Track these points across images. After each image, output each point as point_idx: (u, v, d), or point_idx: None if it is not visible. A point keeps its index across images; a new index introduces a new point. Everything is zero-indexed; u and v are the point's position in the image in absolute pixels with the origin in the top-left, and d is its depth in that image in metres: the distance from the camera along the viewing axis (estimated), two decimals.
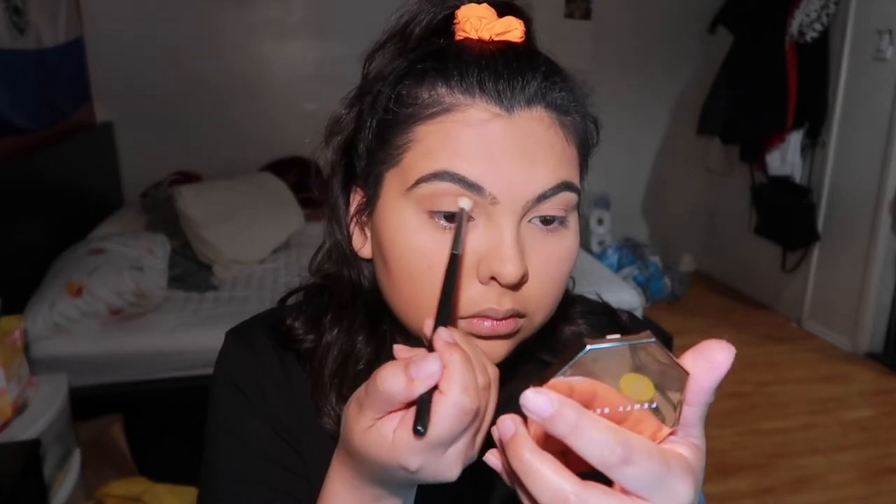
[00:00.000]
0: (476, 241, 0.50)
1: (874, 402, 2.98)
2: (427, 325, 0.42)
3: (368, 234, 0.58)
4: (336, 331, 0.60)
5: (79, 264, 2.29)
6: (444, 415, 0.37)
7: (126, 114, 3.50)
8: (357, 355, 0.59)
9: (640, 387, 0.35)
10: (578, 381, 0.34)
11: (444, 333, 0.40)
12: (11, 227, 2.17)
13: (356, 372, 0.59)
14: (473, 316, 0.51)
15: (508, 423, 0.36)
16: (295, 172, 3.46)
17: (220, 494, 0.59)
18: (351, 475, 0.45)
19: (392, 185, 0.52)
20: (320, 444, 0.58)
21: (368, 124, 0.54)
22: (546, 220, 0.51)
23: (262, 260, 2.86)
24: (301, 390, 0.61)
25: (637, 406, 0.35)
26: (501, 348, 0.53)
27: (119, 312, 2.24)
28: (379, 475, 0.43)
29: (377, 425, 0.40)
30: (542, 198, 0.50)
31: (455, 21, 0.55)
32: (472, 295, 0.50)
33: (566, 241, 0.53)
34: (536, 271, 0.51)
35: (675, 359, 0.35)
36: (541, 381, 0.34)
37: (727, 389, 2.97)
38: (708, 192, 4.39)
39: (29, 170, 2.39)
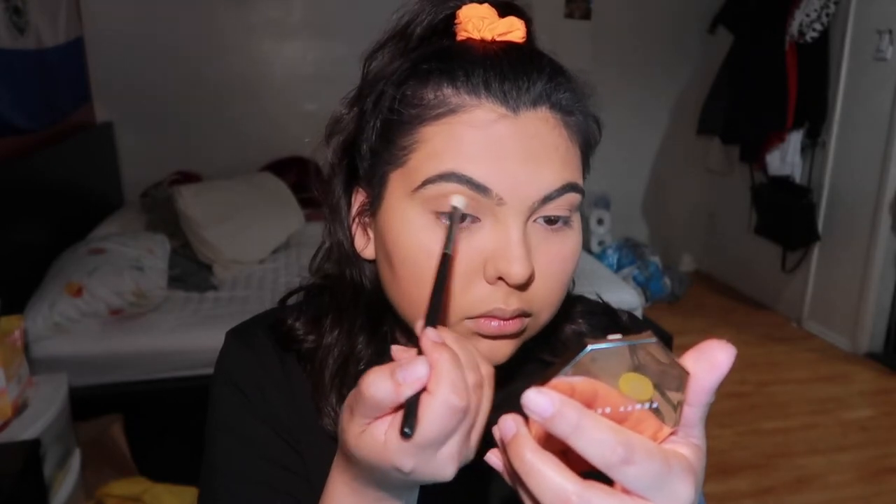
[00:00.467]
0: (482, 241, 0.50)
1: (874, 402, 2.98)
2: (418, 327, 0.42)
3: (371, 235, 0.57)
4: (337, 331, 0.60)
5: (79, 264, 2.29)
6: (433, 415, 0.37)
7: (126, 114, 3.50)
8: (357, 356, 0.59)
9: (639, 386, 0.35)
10: (580, 381, 0.34)
11: (431, 334, 0.40)
12: (11, 227, 2.17)
13: (357, 373, 0.59)
14: (481, 316, 0.51)
15: (510, 422, 0.36)
16: (295, 172, 3.46)
17: (220, 494, 0.59)
18: (351, 478, 0.45)
19: (397, 185, 0.52)
20: (320, 444, 0.58)
21: (372, 125, 0.54)
22: (550, 220, 0.51)
23: (262, 260, 2.86)
24: (301, 390, 0.61)
25: (638, 406, 0.35)
26: (507, 348, 0.53)
27: (119, 312, 2.24)
28: (376, 477, 0.43)
29: (369, 429, 0.40)
30: (547, 199, 0.50)
31: (457, 21, 0.55)
32: (480, 295, 0.50)
33: (570, 240, 0.53)
34: (542, 270, 0.51)
35: (675, 359, 0.35)
36: (542, 380, 0.34)
37: (727, 389, 2.97)
38: (708, 192, 4.39)
39: (29, 170, 2.39)
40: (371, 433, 0.40)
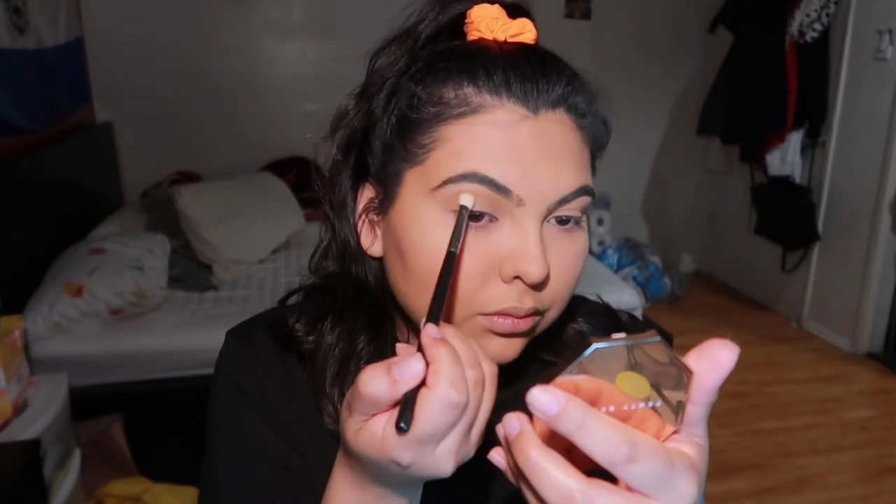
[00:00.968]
0: (500, 240, 0.50)
1: (874, 402, 2.98)
2: (423, 324, 0.42)
3: (379, 232, 0.57)
4: (338, 330, 0.60)
5: (79, 264, 2.29)
6: (431, 409, 0.37)
7: (126, 114, 3.50)
8: (359, 355, 0.59)
9: (636, 385, 0.35)
10: (584, 380, 0.34)
11: (431, 330, 0.40)
12: (11, 227, 2.17)
13: (358, 371, 0.58)
14: (495, 314, 0.51)
15: (514, 421, 0.36)
16: (295, 172, 3.46)
17: (220, 495, 0.59)
18: (352, 475, 0.45)
19: (414, 183, 0.52)
20: (321, 443, 0.58)
21: (386, 121, 0.54)
22: (562, 221, 0.52)
23: (262, 260, 2.86)
24: (302, 390, 0.61)
25: (641, 405, 0.35)
26: (517, 346, 0.54)
27: (119, 312, 2.24)
28: (376, 473, 0.43)
29: (367, 425, 0.40)
30: (563, 201, 0.51)
31: (467, 21, 0.55)
32: (495, 293, 0.51)
33: (581, 240, 0.54)
34: (554, 270, 0.52)
35: (679, 358, 0.35)
36: (547, 379, 0.34)
37: (727, 389, 2.95)
38: (708, 192, 4.39)
39: (29, 170, 2.39)
40: (370, 428, 0.40)
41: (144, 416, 2.10)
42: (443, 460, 0.40)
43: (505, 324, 0.51)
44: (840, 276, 3.42)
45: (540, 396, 0.33)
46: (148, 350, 2.14)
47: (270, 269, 2.81)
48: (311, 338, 0.61)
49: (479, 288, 0.51)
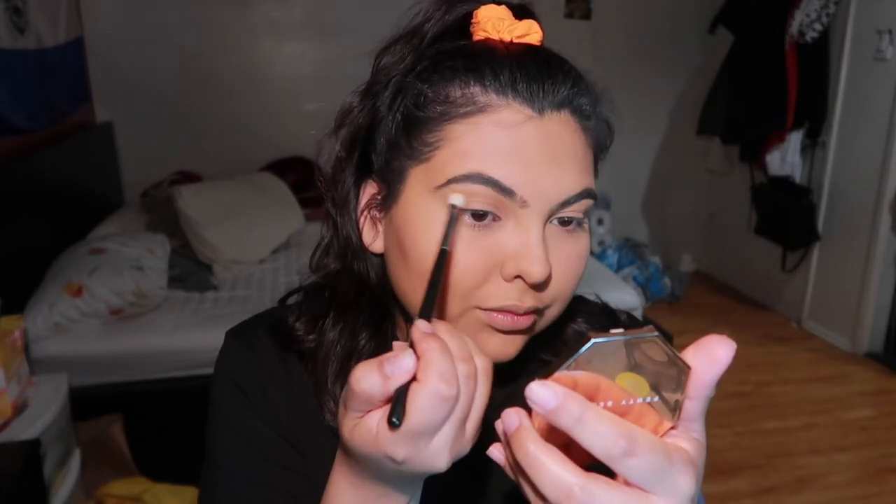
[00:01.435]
0: (503, 240, 0.51)
1: (874, 402, 2.98)
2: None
3: (381, 229, 0.57)
4: (340, 327, 0.60)
5: (79, 264, 2.29)
6: (422, 403, 0.37)
7: (126, 114, 3.50)
8: (360, 352, 0.59)
9: (636, 386, 0.35)
10: (582, 375, 0.34)
11: (422, 325, 0.40)
12: (11, 227, 2.17)
13: None
14: (494, 310, 0.52)
15: (513, 416, 0.36)
16: (295, 172, 3.46)
17: (220, 494, 0.59)
18: (352, 473, 0.45)
19: (418, 181, 0.52)
20: (322, 443, 0.58)
21: (391, 118, 0.54)
22: (564, 222, 0.52)
23: (262, 260, 2.87)
24: (302, 389, 0.61)
25: (640, 400, 0.35)
26: (518, 343, 0.54)
27: (119, 312, 2.24)
28: (373, 469, 0.43)
29: (361, 421, 0.40)
30: (566, 203, 0.51)
31: (474, 21, 0.55)
32: (496, 290, 0.51)
33: (582, 241, 0.54)
34: (557, 269, 0.52)
35: (677, 354, 0.35)
36: (545, 374, 0.34)
37: (727, 389, 2.97)
38: (708, 192, 4.39)
39: (29, 170, 2.39)
40: (364, 425, 0.40)
41: (144, 416, 2.10)
42: (437, 455, 0.40)
43: (504, 320, 0.52)
44: (840, 276, 3.42)
45: (538, 391, 0.33)
46: (148, 350, 2.14)
47: (270, 269, 2.81)
48: (311, 336, 0.61)
49: (481, 284, 0.51)
